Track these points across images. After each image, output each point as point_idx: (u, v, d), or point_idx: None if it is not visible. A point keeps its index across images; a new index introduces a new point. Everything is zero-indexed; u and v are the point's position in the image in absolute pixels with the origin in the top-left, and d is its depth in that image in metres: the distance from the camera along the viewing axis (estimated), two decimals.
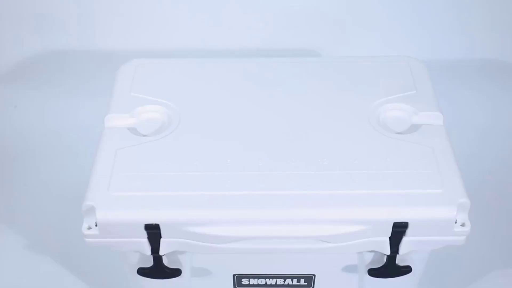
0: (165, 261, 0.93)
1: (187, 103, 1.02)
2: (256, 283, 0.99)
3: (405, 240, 0.88)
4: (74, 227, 0.93)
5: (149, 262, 0.93)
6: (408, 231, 0.87)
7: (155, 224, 0.87)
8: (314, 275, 0.97)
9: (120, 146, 0.95)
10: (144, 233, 0.88)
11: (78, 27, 1.49)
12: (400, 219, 0.86)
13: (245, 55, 1.45)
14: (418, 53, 1.18)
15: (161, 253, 0.90)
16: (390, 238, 0.88)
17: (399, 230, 0.87)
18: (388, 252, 0.90)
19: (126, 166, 0.92)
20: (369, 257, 0.94)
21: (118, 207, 0.87)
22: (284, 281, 0.98)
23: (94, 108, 1.24)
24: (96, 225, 0.87)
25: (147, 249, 0.89)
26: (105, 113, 1.00)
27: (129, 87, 1.05)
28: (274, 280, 0.98)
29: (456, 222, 0.87)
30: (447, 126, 0.98)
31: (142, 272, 0.94)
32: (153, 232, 0.87)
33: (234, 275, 0.98)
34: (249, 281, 0.98)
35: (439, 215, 0.86)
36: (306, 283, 0.99)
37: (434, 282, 1.12)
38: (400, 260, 0.92)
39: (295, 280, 0.98)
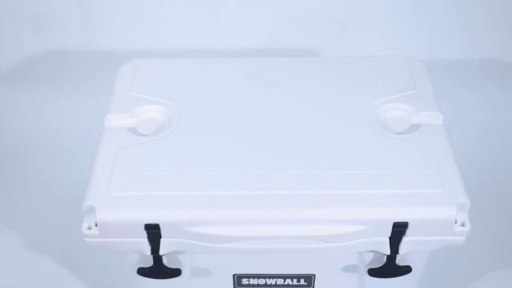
0: (165, 261, 0.93)
1: (187, 103, 1.02)
2: (256, 283, 0.99)
3: (405, 240, 0.88)
4: (74, 227, 0.93)
5: (149, 262, 0.93)
6: (408, 231, 0.87)
7: (155, 224, 0.87)
8: (314, 275, 0.97)
9: (120, 146, 0.95)
10: (144, 233, 0.88)
11: (78, 27, 1.49)
12: (400, 219, 0.86)
13: (245, 55, 1.45)
14: (418, 53, 1.18)
15: (161, 253, 0.90)
16: (390, 238, 0.88)
17: (399, 230, 0.87)
18: (388, 252, 0.90)
19: (126, 166, 0.92)
20: (369, 257, 0.94)
21: (118, 207, 0.87)
22: (284, 281, 0.98)
23: (94, 108, 1.24)
24: (96, 225, 0.87)
25: (147, 249, 0.89)
26: (105, 113, 1.00)
27: (129, 87, 1.05)
28: (274, 280, 0.98)
29: (456, 222, 0.87)
30: (447, 126, 0.98)
31: (142, 272, 0.94)
32: (153, 232, 0.87)
33: (234, 275, 0.98)
34: (249, 281, 0.98)
35: (439, 215, 0.86)
36: (306, 283, 0.99)
37: (434, 282, 1.12)
38: (400, 260, 0.92)
39: (295, 280, 0.98)
